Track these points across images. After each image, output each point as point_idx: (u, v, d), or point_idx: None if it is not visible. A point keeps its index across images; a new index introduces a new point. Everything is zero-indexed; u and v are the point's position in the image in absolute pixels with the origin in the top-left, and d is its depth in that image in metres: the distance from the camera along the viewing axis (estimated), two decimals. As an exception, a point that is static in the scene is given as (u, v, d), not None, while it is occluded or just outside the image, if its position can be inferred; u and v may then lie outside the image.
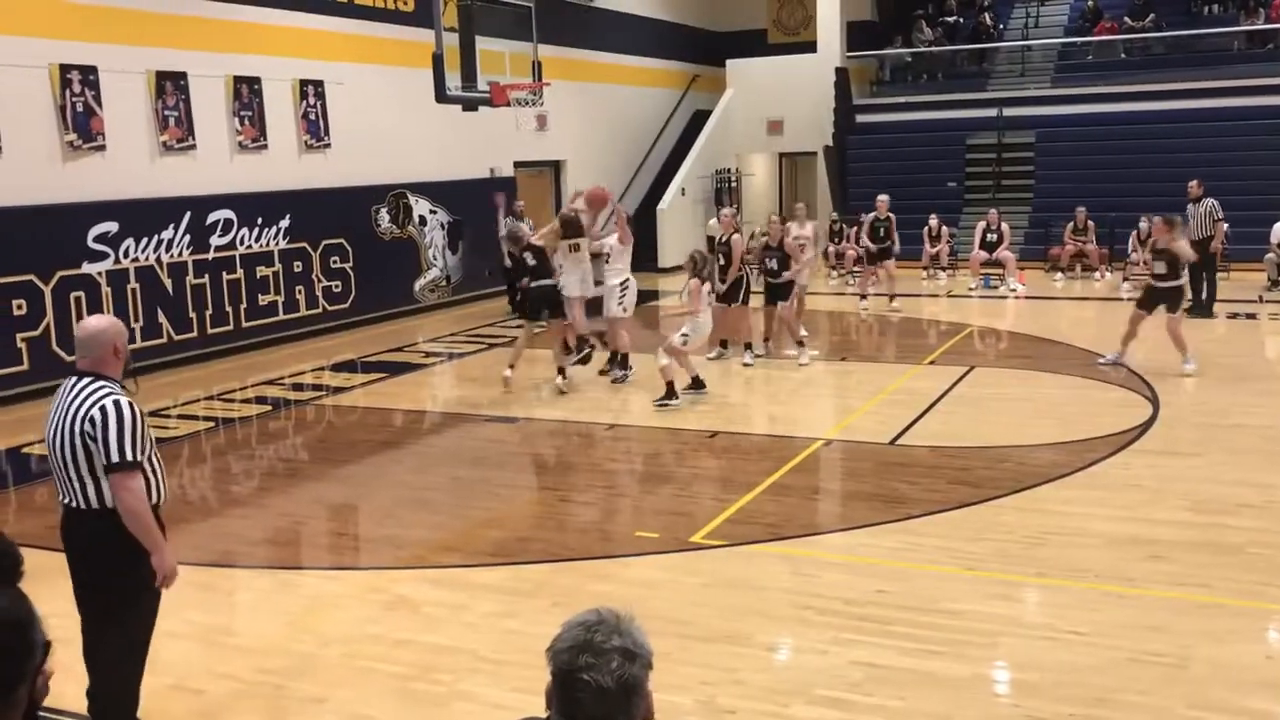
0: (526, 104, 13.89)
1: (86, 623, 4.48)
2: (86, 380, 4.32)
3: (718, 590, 6.21)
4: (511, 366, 11.57)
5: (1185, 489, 7.68)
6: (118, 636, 4.46)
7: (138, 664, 4.53)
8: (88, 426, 4.23)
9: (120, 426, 4.22)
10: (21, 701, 1.72)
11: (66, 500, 4.38)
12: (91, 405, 4.24)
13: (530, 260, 11.68)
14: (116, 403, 4.26)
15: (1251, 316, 14.45)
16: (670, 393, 10.47)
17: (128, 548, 4.30)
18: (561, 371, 11.56)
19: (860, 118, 24.08)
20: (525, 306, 11.98)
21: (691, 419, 10.14)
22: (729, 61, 24.43)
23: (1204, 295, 14.58)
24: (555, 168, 21.19)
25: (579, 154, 21.37)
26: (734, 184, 23.84)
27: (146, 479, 4.34)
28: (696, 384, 10.81)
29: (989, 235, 18.38)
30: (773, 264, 12.71)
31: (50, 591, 6.44)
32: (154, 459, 4.46)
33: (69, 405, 4.29)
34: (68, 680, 5.28)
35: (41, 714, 1.87)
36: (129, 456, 4.23)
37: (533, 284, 11.69)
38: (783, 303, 12.75)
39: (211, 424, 10.79)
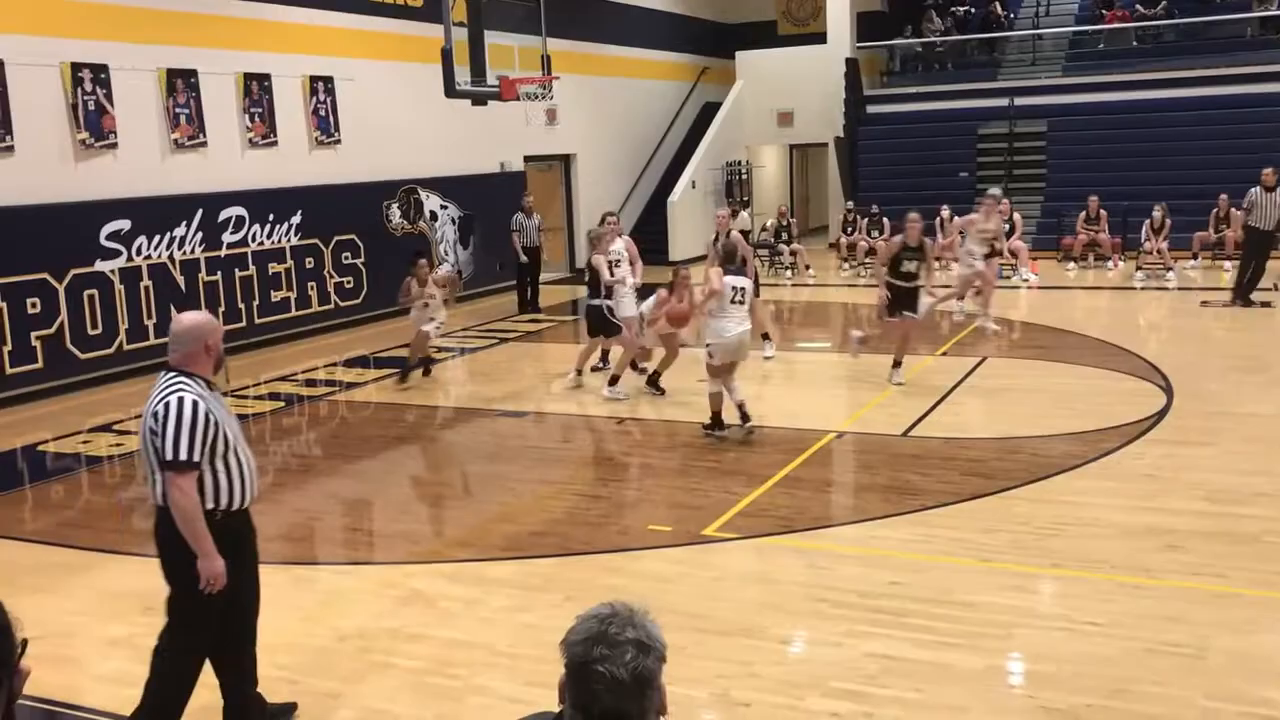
0: (536, 98, 13.90)
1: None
2: (169, 375, 4.32)
3: (731, 583, 6.20)
4: (579, 371, 11.54)
5: (1199, 478, 7.65)
6: (173, 632, 4.48)
7: (185, 666, 4.49)
8: (151, 422, 4.24)
9: (179, 423, 4.17)
10: (1, 699, 1.76)
11: (150, 497, 4.40)
12: (159, 401, 4.24)
13: (586, 276, 11.58)
14: (180, 399, 4.21)
15: (1266, 305, 14.36)
16: (716, 422, 9.17)
17: (188, 547, 4.28)
18: (579, 372, 11.54)
19: (871, 108, 24.01)
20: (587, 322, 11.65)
21: (704, 412, 10.09)
22: (738, 53, 24.39)
23: (1245, 281, 14.58)
24: (565, 162, 21.20)
25: (589, 148, 21.38)
26: (744, 176, 23.80)
27: (216, 480, 4.29)
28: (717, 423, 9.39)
29: (1001, 225, 18.27)
30: (912, 266, 10.87)
31: (59, 585, 6.49)
32: (234, 458, 4.36)
33: (149, 401, 4.31)
34: (78, 674, 5.31)
35: (45, 706, 1.89)
36: (182, 455, 4.17)
37: (589, 303, 11.44)
38: (912, 314, 10.97)
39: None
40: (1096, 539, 6.59)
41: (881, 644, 5.31)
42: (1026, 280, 17.63)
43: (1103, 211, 18.76)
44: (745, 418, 9.05)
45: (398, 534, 7.48)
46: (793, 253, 19.73)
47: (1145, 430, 8.89)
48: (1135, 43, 23.23)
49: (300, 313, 15.03)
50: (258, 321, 14.35)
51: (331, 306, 15.52)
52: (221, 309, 13.79)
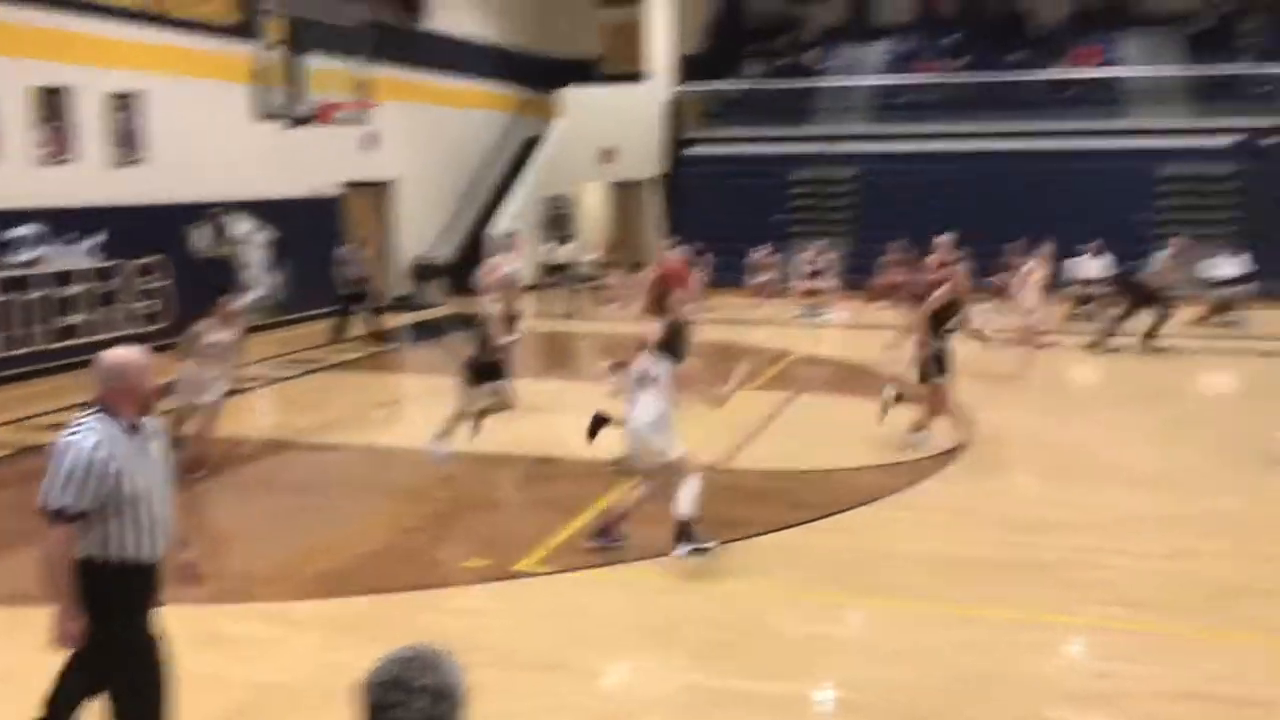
0: (355, 123, 13.63)
1: None
2: (87, 412, 4.04)
3: (547, 618, 6.14)
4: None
5: (997, 509, 8.02)
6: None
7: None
8: (49, 462, 3.98)
9: (59, 468, 3.91)
10: None
11: None
12: (62, 439, 3.98)
13: None
14: (70, 443, 3.94)
15: (1053, 345, 15.19)
16: (688, 533, 6.80)
17: (86, 596, 3.97)
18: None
19: (691, 150, 24.52)
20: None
21: (526, 444, 10.00)
22: (562, 89, 24.55)
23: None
24: (386, 188, 20.81)
25: (410, 175, 21.06)
26: (567, 211, 23.90)
27: (106, 531, 3.98)
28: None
29: (812, 266, 18.94)
30: (953, 325, 9.75)
31: None
32: (133, 511, 4.02)
33: None
34: None
35: None
36: (54, 504, 3.91)
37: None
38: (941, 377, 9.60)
39: (13, 451, 10.10)
40: (902, 568, 6.81)
41: (695, 675, 5.34)
42: (835, 320, 18.23)
43: (904, 255, 19.60)
44: (680, 536, 6.76)
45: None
46: (613, 286, 19.89)
47: (949, 463, 9.26)
48: (940, 97, 24.45)
49: (99, 338, 14.21)
50: (53, 346, 13.51)
51: (133, 332, 14.74)
52: (12, 333, 12.93)
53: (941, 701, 5.07)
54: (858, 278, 20.49)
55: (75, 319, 13.83)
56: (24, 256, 13.16)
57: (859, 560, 6.97)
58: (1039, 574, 6.72)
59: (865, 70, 26.00)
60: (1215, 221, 19.83)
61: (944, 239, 14.45)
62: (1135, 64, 24.18)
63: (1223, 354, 14.47)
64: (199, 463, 8.95)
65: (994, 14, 26.43)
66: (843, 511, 7.96)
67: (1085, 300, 17.48)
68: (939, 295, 9.62)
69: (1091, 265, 17.55)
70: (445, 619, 6.11)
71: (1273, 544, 7.23)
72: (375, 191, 20.58)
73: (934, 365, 9.44)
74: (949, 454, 9.54)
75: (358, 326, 16.32)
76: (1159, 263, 15.09)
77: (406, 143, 20.60)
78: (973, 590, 6.47)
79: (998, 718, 4.95)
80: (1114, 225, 19.45)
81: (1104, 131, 22.17)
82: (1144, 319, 14.52)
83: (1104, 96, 23.24)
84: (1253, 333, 15.57)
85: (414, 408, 11.66)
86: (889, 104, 24.74)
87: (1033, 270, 14.12)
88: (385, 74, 17.59)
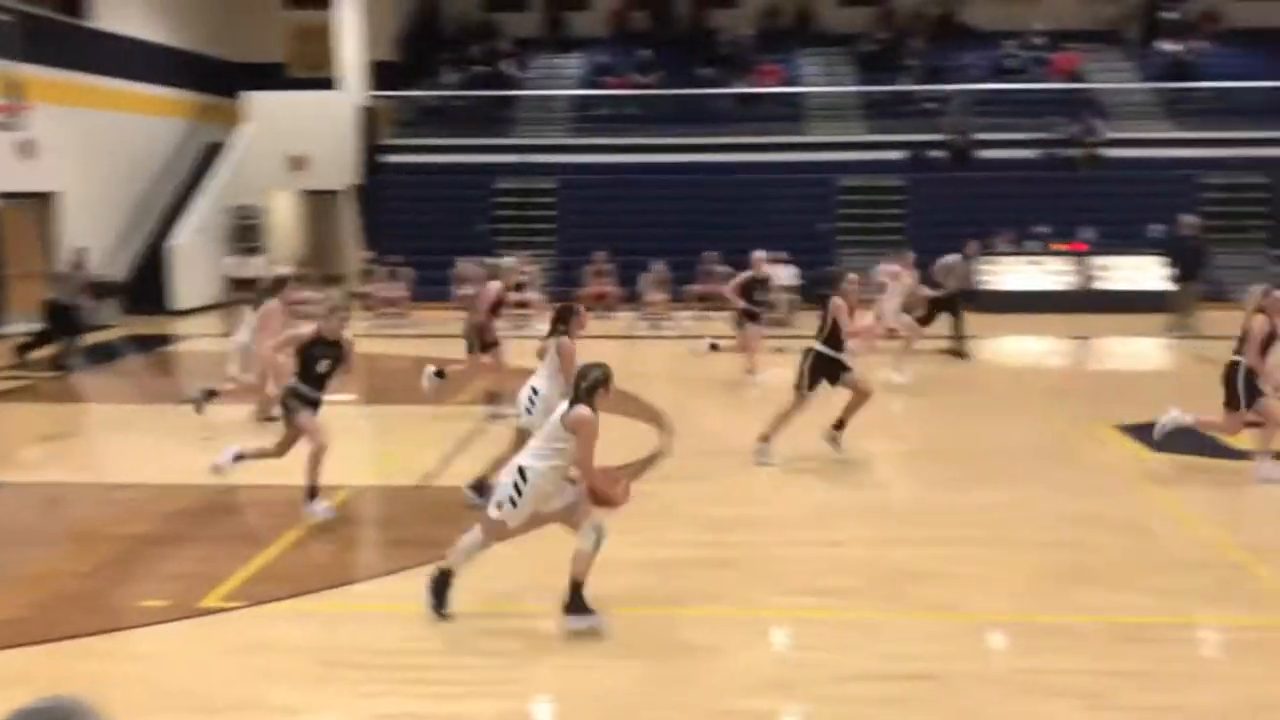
0: (7, 129, 12.43)
1: None
2: None
3: (234, 656, 5.76)
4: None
5: (692, 510, 8.25)
6: None
7: None
8: None
9: None
10: None
11: None
12: None
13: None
14: None
15: (780, 351, 15.69)
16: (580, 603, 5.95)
17: None
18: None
19: (387, 158, 24.02)
20: None
21: (211, 474, 9.39)
22: (246, 94, 23.41)
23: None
24: (47, 200, 19.08)
25: (78, 185, 19.40)
26: (256, 222, 22.82)
27: None
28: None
29: (517, 278, 18.92)
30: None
31: None
32: None
33: None
34: None
35: None
36: None
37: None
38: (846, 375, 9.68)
39: None
40: (607, 574, 6.83)
41: (395, 702, 5.17)
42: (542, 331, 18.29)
43: (608, 265, 20.00)
44: (436, 586, 6.14)
45: None
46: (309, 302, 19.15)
47: (645, 467, 9.46)
48: (635, 110, 25.02)
49: None
50: None
51: None
52: None
53: (649, 702, 5.15)
54: (561, 289, 20.73)
55: None
56: None
57: (563, 570, 6.96)
58: (733, 570, 6.95)
59: (562, 81, 26.32)
60: (888, 230, 21.36)
61: (759, 254, 14.66)
62: (813, 81, 25.72)
63: (896, 353, 15.46)
64: None
65: (683, 30, 27.42)
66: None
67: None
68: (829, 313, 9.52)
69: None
70: (121, 665, 5.64)
71: (945, 528, 7.80)
72: (36, 204, 18.84)
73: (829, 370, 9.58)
74: (650, 458, 9.75)
75: (48, 350, 14.86)
76: (955, 266, 15.77)
77: (71, 151, 18.97)
78: (672, 590, 6.61)
79: (704, 714, 5.08)
80: (801, 234, 20.61)
81: (788, 145, 23.43)
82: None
83: (787, 112, 24.57)
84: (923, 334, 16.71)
85: (86, 439, 10.71)
86: (587, 115, 25.13)
87: (898, 276, 14.48)
88: (42, 75, 16.13)
